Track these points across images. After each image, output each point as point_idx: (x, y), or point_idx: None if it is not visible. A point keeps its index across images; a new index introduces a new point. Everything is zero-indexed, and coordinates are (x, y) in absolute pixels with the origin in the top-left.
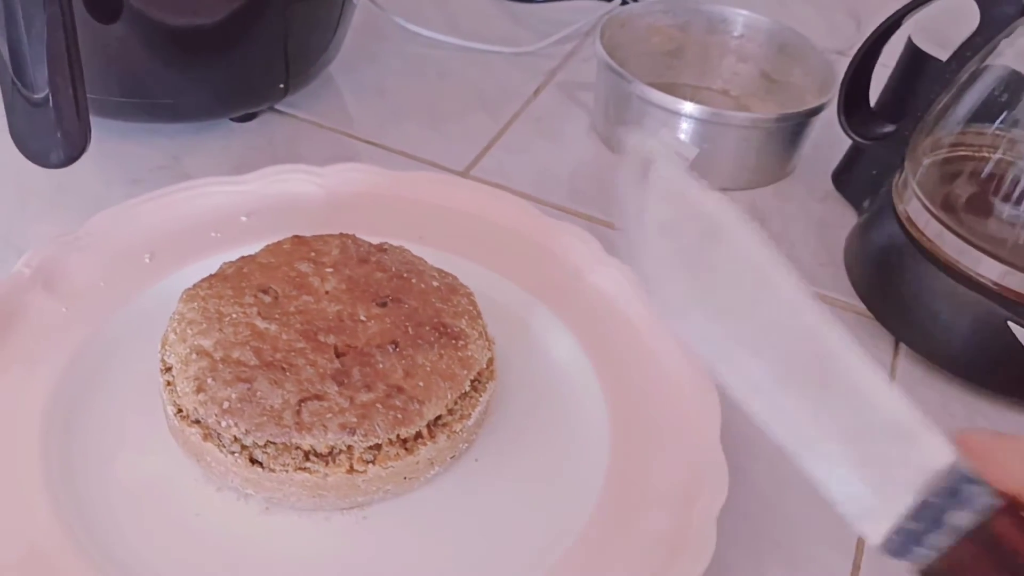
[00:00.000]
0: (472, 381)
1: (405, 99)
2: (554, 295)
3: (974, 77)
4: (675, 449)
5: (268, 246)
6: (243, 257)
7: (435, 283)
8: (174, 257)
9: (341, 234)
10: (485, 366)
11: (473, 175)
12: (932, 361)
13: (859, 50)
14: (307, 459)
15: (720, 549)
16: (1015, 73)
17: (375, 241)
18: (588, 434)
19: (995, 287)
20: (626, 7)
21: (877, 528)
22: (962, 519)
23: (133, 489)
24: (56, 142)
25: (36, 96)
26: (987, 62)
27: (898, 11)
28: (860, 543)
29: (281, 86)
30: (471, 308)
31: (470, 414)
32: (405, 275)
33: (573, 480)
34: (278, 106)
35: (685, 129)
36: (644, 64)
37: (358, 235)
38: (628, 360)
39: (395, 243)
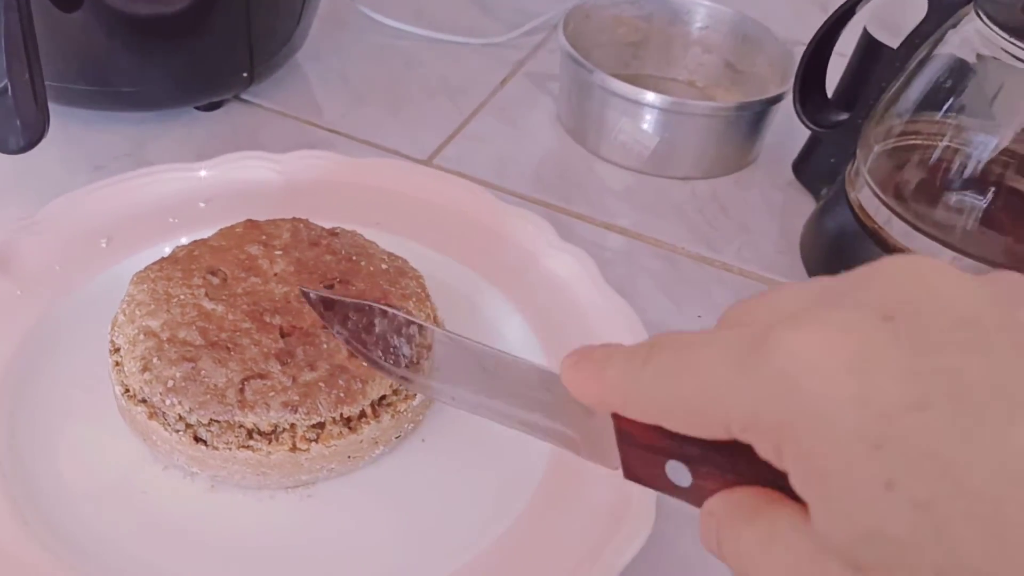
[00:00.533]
0: (420, 361)
1: (371, 89)
2: (507, 279)
3: (921, 65)
4: None
5: (221, 230)
6: (196, 240)
7: (384, 266)
8: (130, 242)
9: (294, 218)
10: None
11: (436, 164)
12: None
13: (813, 38)
14: (250, 437)
15: (660, 523)
16: (960, 61)
17: (330, 226)
18: None
19: None
20: None
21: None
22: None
23: (82, 468)
24: (14, 129)
25: None
26: (936, 51)
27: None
28: None
29: (245, 75)
30: (419, 291)
31: (415, 394)
32: (354, 258)
33: (519, 459)
34: (243, 95)
35: (648, 119)
36: (609, 55)
37: (314, 220)
38: (577, 342)
39: (350, 228)
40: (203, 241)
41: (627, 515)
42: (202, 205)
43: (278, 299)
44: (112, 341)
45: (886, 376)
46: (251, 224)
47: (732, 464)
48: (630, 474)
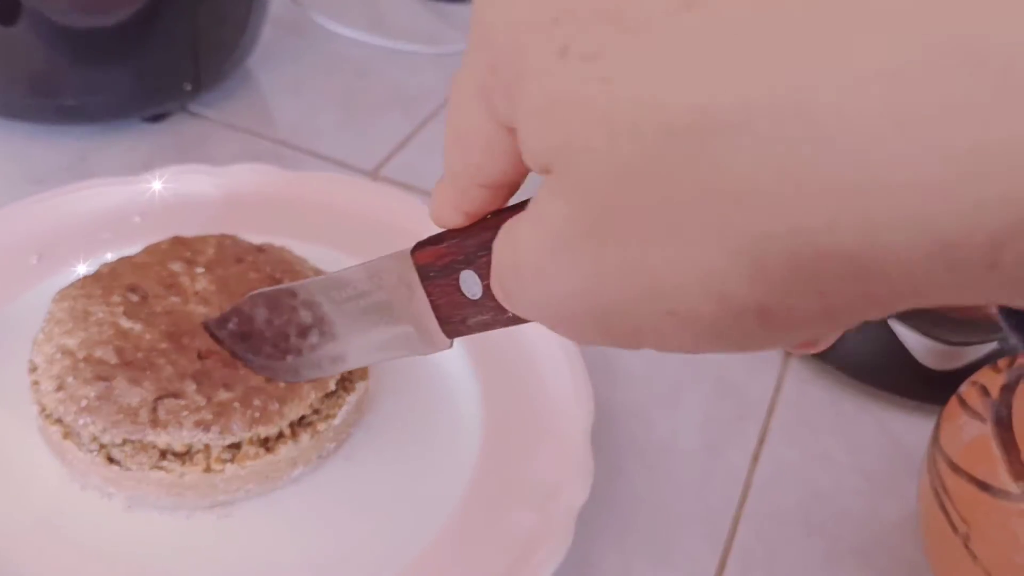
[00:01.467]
0: (342, 380)
1: (321, 99)
2: None
3: None
4: (545, 447)
5: (148, 246)
6: (122, 257)
7: None
8: (61, 258)
9: (221, 234)
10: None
11: (382, 175)
12: (822, 361)
13: None
14: (163, 458)
15: (587, 544)
16: None
17: (265, 241)
18: (463, 433)
19: None
20: None
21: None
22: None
23: None
24: None
25: None
26: None
27: None
28: (729, 538)
29: (189, 86)
30: None
31: (336, 414)
32: (278, 276)
33: (443, 479)
34: (191, 106)
35: None
36: None
37: (252, 235)
38: (509, 359)
39: (287, 243)
40: (128, 258)
41: (546, 534)
42: (137, 220)
43: (197, 321)
44: (31, 360)
45: None
46: (177, 240)
47: None
48: (447, 327)
